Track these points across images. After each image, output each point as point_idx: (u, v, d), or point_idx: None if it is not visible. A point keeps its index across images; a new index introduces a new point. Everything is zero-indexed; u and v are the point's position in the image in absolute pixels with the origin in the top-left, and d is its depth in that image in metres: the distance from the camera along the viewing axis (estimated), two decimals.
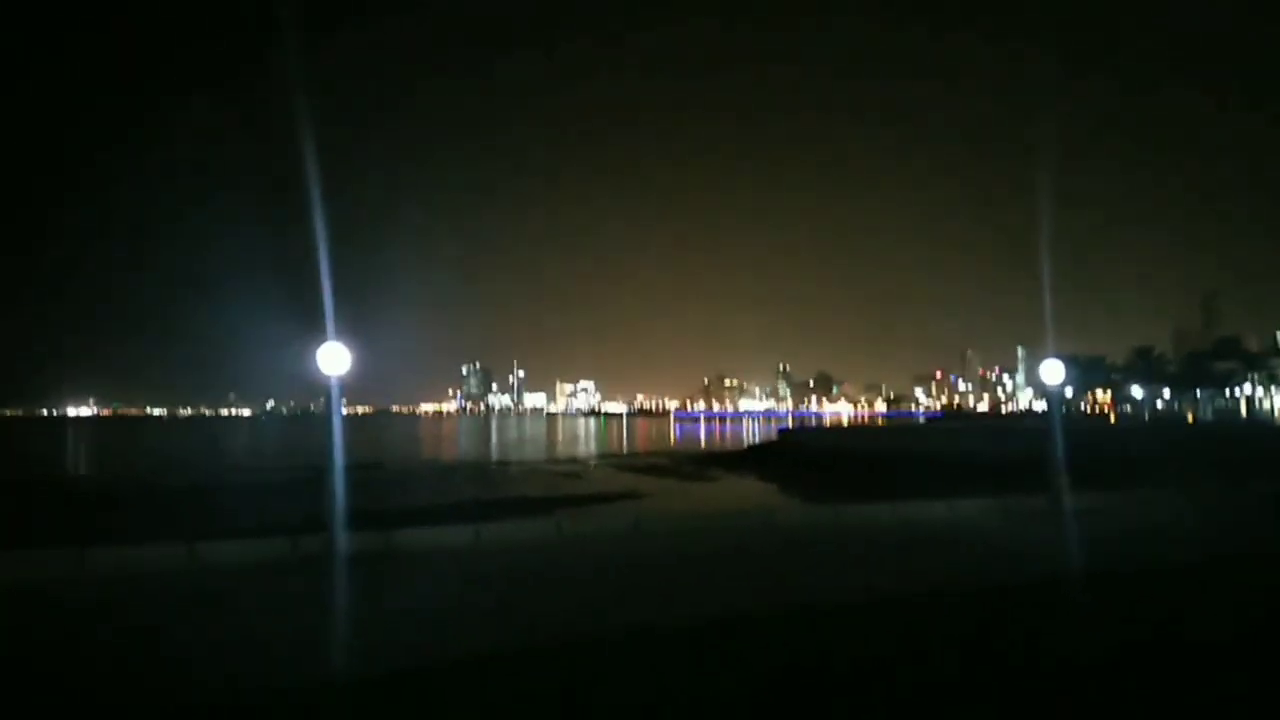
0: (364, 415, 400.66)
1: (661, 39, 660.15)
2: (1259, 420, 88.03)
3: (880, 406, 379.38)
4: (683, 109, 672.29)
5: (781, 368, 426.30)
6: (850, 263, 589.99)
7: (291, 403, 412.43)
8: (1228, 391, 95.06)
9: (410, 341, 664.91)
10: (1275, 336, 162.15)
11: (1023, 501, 21.04)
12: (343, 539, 13.30)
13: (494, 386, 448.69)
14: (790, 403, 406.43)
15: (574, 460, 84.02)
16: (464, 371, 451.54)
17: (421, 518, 23.66)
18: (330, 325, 12.58)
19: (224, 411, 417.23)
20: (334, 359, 13.13)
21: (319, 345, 13.08)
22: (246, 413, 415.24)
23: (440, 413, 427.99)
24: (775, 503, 42.57)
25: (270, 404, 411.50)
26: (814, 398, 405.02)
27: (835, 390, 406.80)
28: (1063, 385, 21.59)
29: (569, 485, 53.63)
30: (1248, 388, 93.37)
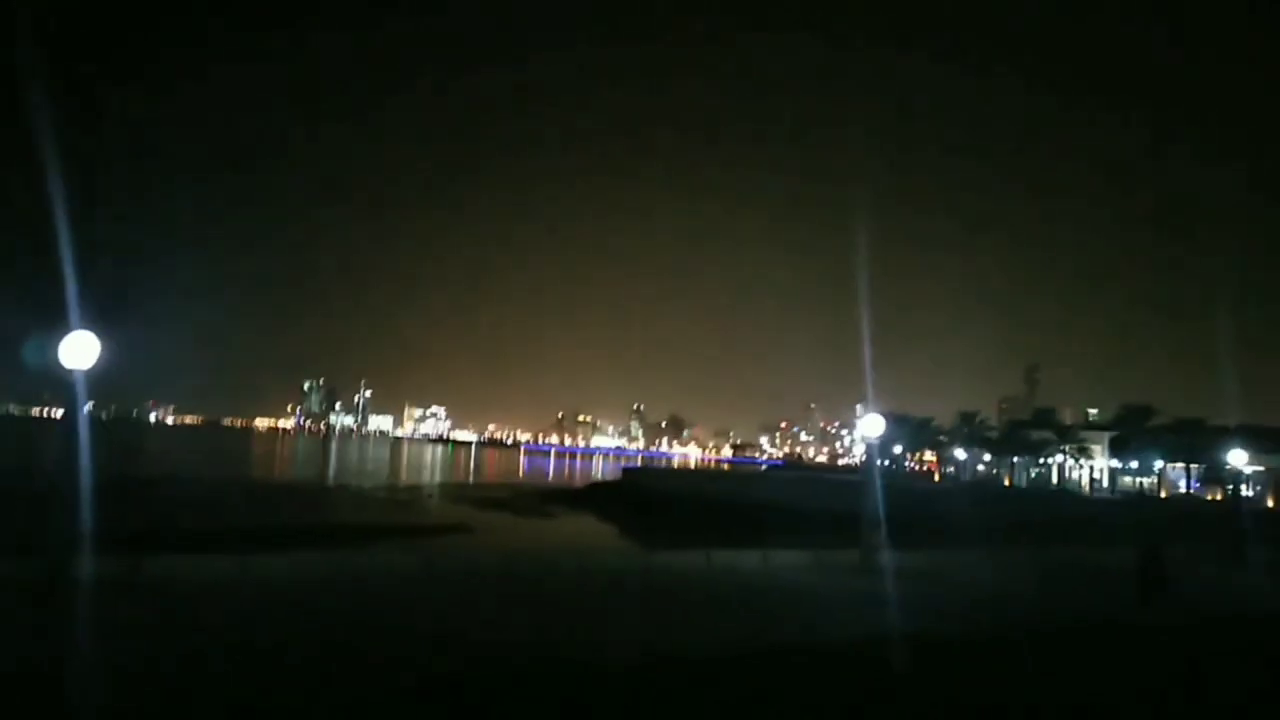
0: (192, 426, 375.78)
1: (539, 63, 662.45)
2: (1067, 490, 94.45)
3: (727, 451, 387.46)
4: (554, 140, 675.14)
5: (636, 407, 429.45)
6: (709, 310, 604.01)
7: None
8: (1042, 459, 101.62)
9: (248, 351, 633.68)
10: (1086, 412, 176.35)
11: (837, 555, 21.04)
12: (85, 563, 11.48)
13: (338, 406, 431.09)
14: (642, 442, 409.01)
15: (410, 488, 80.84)
16: (305, 387, 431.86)
17: (203, 543, 21.45)
18: (74, 313, 10.88)
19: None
20: (79, 351, 11.31)
21: (63, 336, 11.30)
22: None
23: (276, 429, 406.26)
24: (599, 544, 41.82)
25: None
26: (665, 439, 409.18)
27: (686, 433, 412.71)
28: (880, 439, 21.83)
29: (395, 514, 51.07)
30: (1059, 457, 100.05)
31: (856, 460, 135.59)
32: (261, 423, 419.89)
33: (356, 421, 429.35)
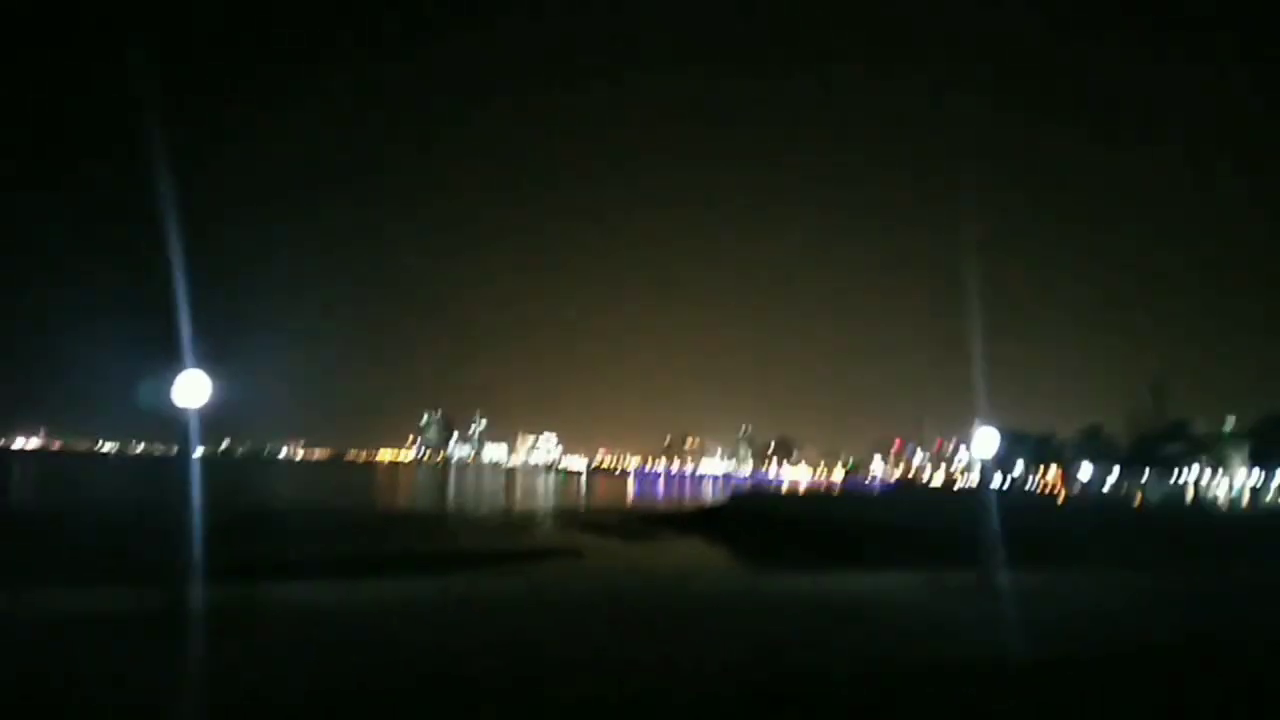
0: (319, 461, 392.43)
1: (616, 88, 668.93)
2: (1203, 508, 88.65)
3: (838, 473, 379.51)
4: (663, 159, 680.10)
5: (743, 430, 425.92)
6: (816, 327, 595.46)
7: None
8: (1175, 474, 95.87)
9: (373, 383, 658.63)
10: (1223, 422, 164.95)
11: (953, 577, 20.20)
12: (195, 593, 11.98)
13: (454, 436, 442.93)
14: (750, 465, 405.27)
15: (523, 515, 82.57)
16: (424, 420, 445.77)
17: (311, 571, 22.18)
18: (188, 352, 11.42)
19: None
20: (192, 390, 11.89)
21: (176, 374, 11.87)
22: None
23: (396, 461, 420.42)
24: (705, 566, 41.47)
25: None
26: (774, 461, 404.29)
27: (795, 454, 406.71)
28: (996, 457, 20.86)
29: (504, 540, 52.07)
30: (1194, 470, 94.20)
31: (974, 483, 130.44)
32: (385, 454, 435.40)
33: (472, 451, 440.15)
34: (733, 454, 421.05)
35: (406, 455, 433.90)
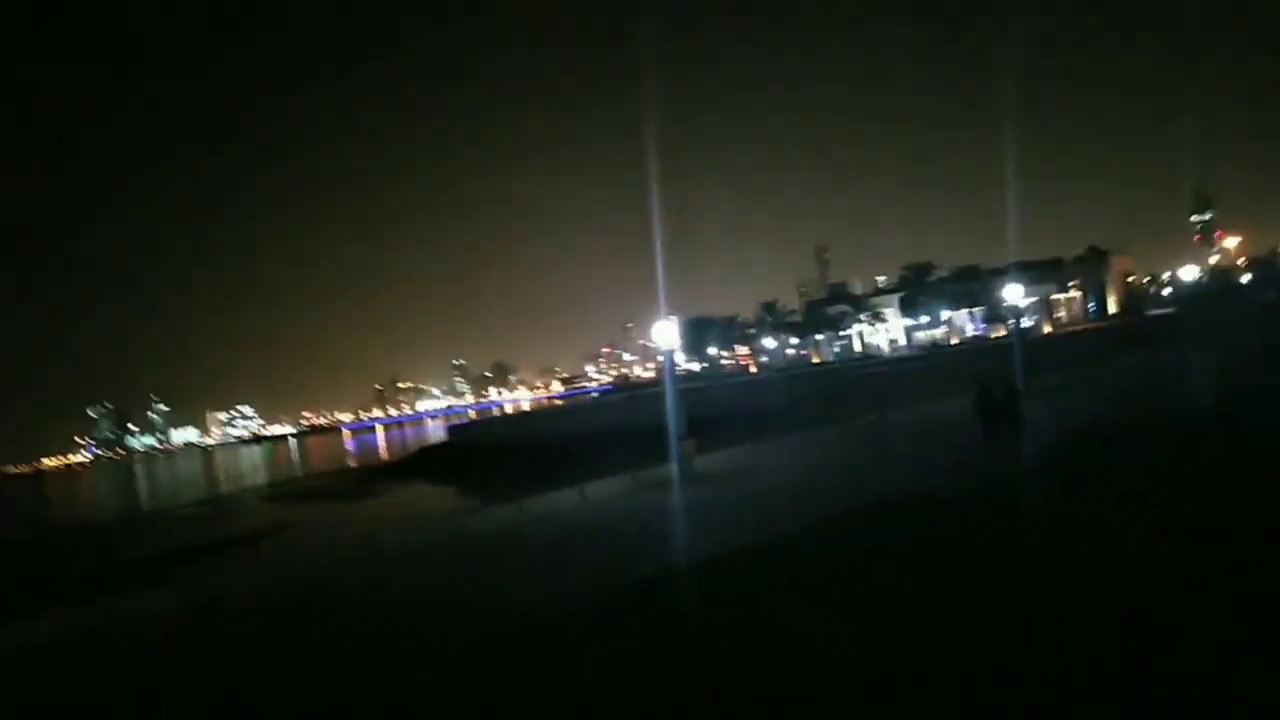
0: None
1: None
2: (869, 355, 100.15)
3: (558, 387, 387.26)
4: (327, 101, 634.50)
5: (456, 363, 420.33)
6: (511, 251, 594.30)
7: None
8: (843, 332, 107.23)
9: (18, 390, 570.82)
10: (875, 281, 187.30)
11: (657, 472, 20.35)
12: None
13: (131, 427, 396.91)
14: (470, 397, 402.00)
15: (220, 499, 75.00)
16: (92, 414, 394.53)
17: None
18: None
19: None
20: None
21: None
22: None
23: (69, 466, 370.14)
24: (425, 514, 39.85)
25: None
26: (494, 388, 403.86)
27: (513, 379, 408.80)
28: (684, 343, 21.07)
29: (196, 531, 46.73)
30: (858, 326, 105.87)
31: (683, 369, 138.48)
32: (50, 462, 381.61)
33: (158, 439, 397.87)
34: (449, 389, 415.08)
35: (79, 457, 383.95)
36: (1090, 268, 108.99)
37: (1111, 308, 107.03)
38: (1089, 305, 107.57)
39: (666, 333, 19.47)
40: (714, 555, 11.34)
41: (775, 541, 11.50)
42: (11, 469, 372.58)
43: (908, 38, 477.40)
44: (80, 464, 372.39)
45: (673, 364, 19.36)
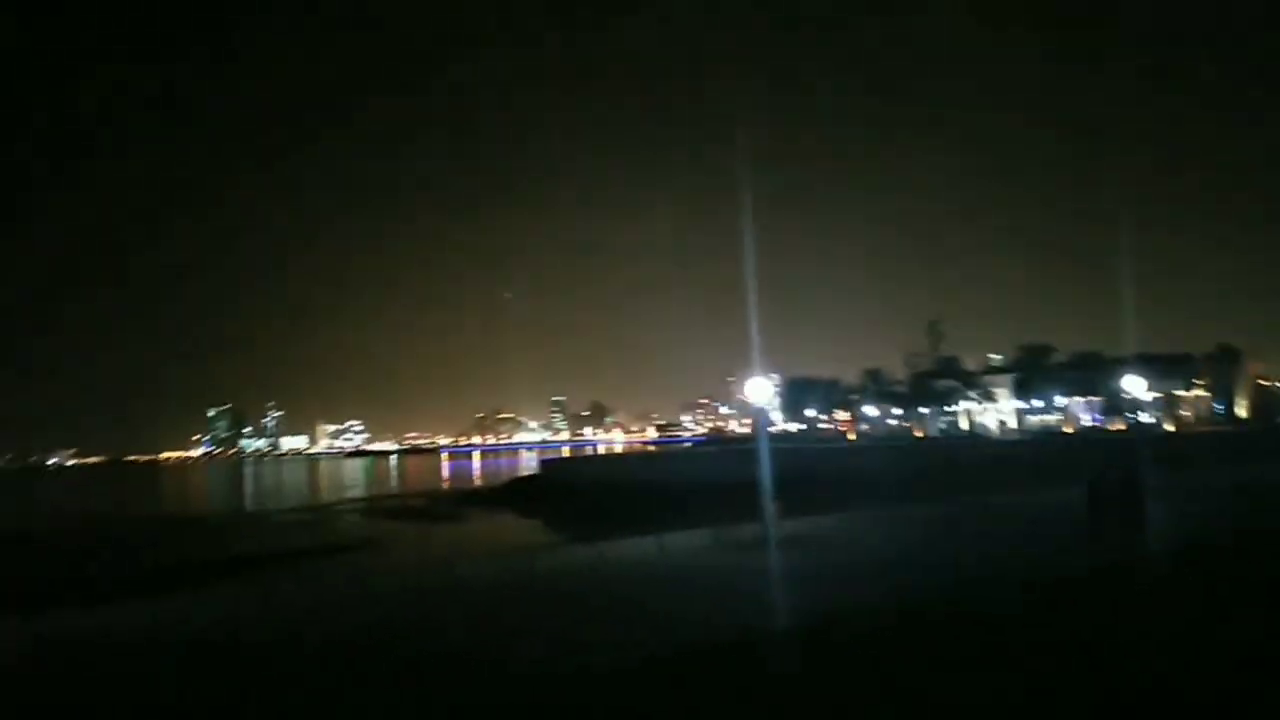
0: (95, 466, 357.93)
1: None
2: (976, 434, 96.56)
3: (652, 433, 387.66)
4: (452, 146, 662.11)
5: (555, 400, 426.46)
6: (619, 295, 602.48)
7: None
8: (950, 408, 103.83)
9: (149, 385, 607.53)
10: (988, 358, 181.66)
11: (740, 531, 19.92)
12: None
13: (247, 430, 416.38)
14: (566, 434, 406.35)
15: (317, 507, 77.43)
16: (210, 414, 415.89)
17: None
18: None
19: None
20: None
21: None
22: None
23: (185, 459, 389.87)
24: (507, 544, 40.07)
25: None
26: (589, 428, 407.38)
27: (609, 420, 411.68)
28: (783, 402, 20.75)
29: (290, 537, 48.27)
30: (966, 403, 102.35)
31: (779, 428, 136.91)
32: (169, 455, 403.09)
33: (269, 444, 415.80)
34: (547, 424, 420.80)
35: (194, 453, 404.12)
36: (1220, 366, 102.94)
37: (1241, 411, 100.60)
38: (1216, 406, 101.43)
39: (759, 390, 19.20)
40: (781, 626, 10.95)
41: (841, 614, 11.06)
42: (133, 458, 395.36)
43: (1035, 121, 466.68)
44: (194, 459, 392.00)
45: (766, 421, 19.02)
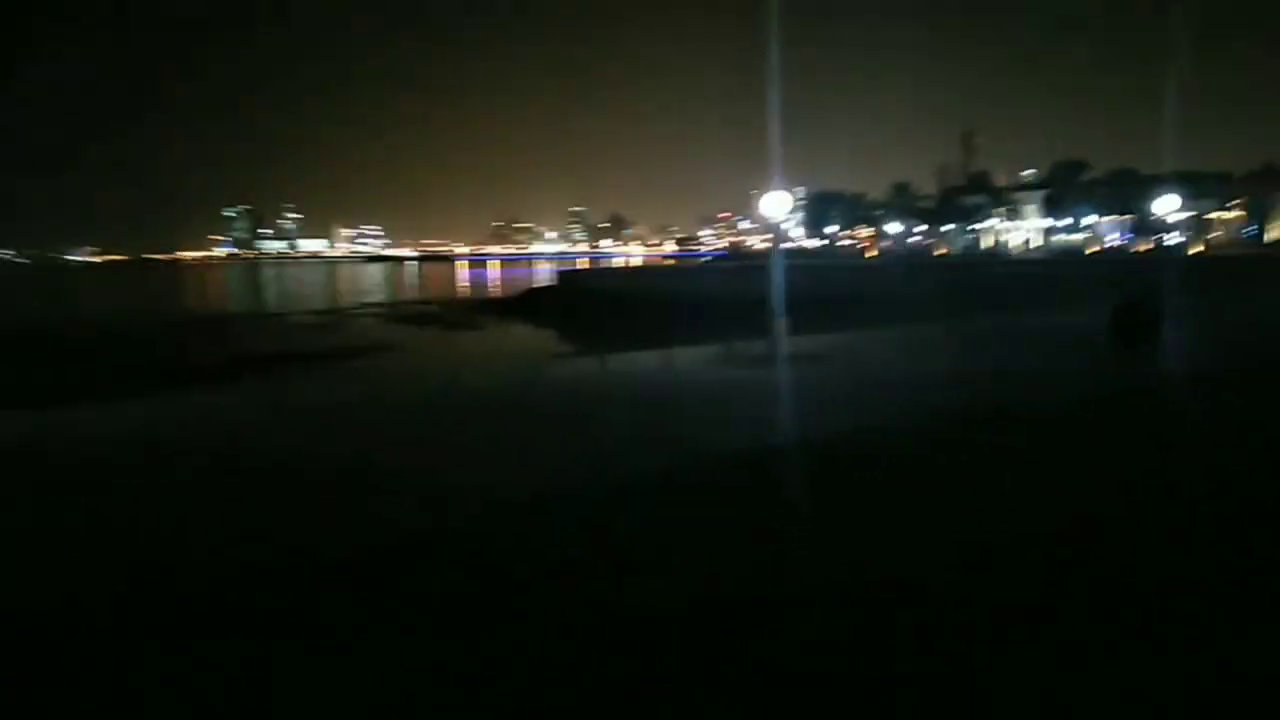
0: (116, 264, 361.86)
1: None
2: (997, 254, 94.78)
3: (670, 247, 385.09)
4: None
5: (574, 210, 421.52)
6: (639, 103, 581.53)
7: None
8: (975, 225, 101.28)
9: (169, 182, 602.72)
10: (1020, 173, 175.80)
11: (751, 346, 19.67)
12: None
13: (265, 231, 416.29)
14: (585, 245, 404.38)
15: (335, 310, 78.12)
16: (229, 215, 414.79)
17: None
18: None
19: None
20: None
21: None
22: None
23: (205, 259, 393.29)
24: (518, 353, 40.31)
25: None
26: (607, 240, 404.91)
27: (628, 232, 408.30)
28: (788, 220, 19.89)
29: (306, 340, 48.85)
30: (992, 221, 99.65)
31: (798, 244, 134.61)
32: (187, 255, 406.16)
33: (287, 246, 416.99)
34: (565, 235, 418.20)
35: (215, 254, 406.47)
36: (1261, 187, 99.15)
37: (1274, 234, 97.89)
38: (1249, 228, 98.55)
39: (777, 204, 18.30)
40: (770, 445, 10.73)
41: (837, 439, 10.81)
42: (151, 257, 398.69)
43: None
44: (213, 259, 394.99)
45: (782, 237, 18.25)
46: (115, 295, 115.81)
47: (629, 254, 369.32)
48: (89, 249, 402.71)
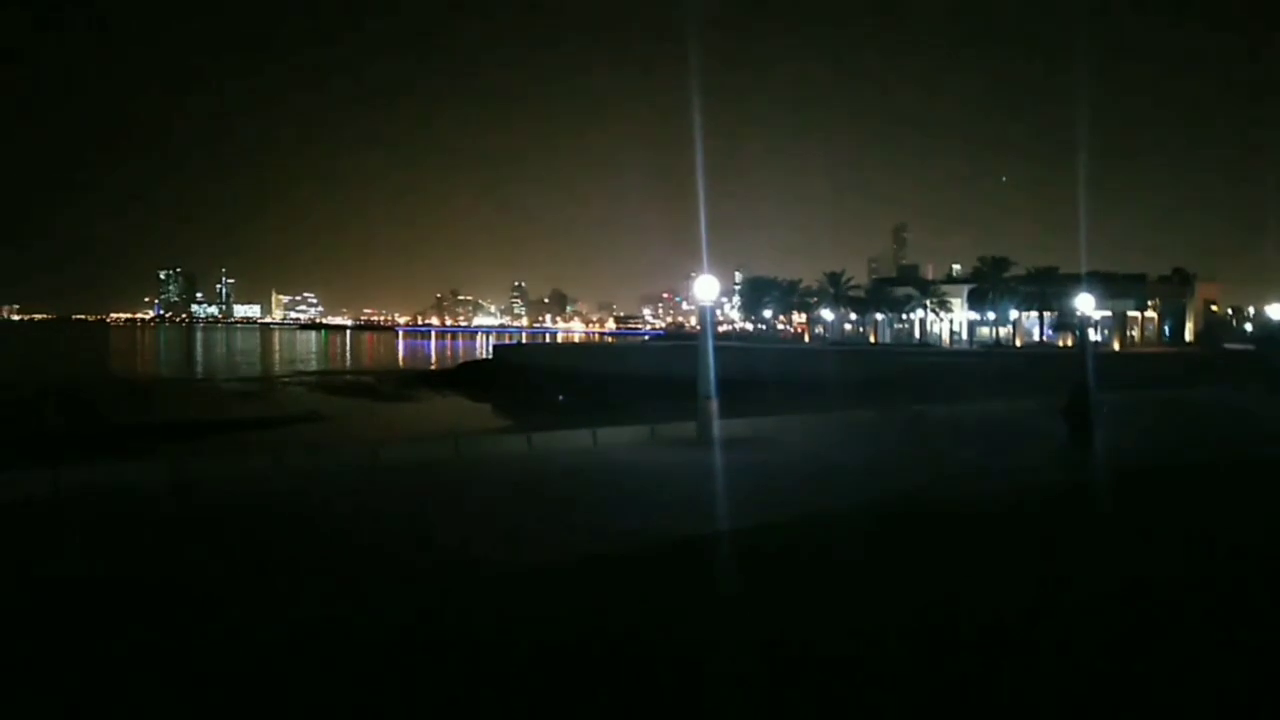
0: (41, 323, 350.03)
1: None
2: (927, 343, 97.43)
3: (611, 325, 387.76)
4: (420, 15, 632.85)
5: (516, 284, 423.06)
6: (585, 184, 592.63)
7: None
8: (905, 316, 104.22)
9: (100, 243, 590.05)
10: (950, 268, 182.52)
11: (677, 429, 19.65)
12: None
13: (199, 295, 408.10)
14: (525, 320, 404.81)
15: (265, 378, 76.50)
16: (162, 276, 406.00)
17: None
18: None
19: None
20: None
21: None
22: None
23: (135, 321, 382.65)
24: (454, 425, 39.84)
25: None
26: (549, 315, 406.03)
27: (569, 309, 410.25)
28: (721, 304, 20.25)
29: (230, 408, 47.60)
30: (921, 312, 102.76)
31: (735, 326, 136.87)
32: (117, 316, 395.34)
33: (221, 310, 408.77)
34: (507, 309, 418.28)
35: (144, 316, 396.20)
36: (1173, 289, 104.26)
37: (1189, 335, 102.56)
38: (1165, 328, 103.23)
39: (707, 288, 18.64)
40: (692, 535, 10.60)
41: (762, 529, 10.77)
42: (79, 316, 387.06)
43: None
44: (144, 320, 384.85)
45: (712, 320, 18.51)
46: (29, 354, 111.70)
47: (570, 330, 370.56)
48: (10, 307, 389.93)
